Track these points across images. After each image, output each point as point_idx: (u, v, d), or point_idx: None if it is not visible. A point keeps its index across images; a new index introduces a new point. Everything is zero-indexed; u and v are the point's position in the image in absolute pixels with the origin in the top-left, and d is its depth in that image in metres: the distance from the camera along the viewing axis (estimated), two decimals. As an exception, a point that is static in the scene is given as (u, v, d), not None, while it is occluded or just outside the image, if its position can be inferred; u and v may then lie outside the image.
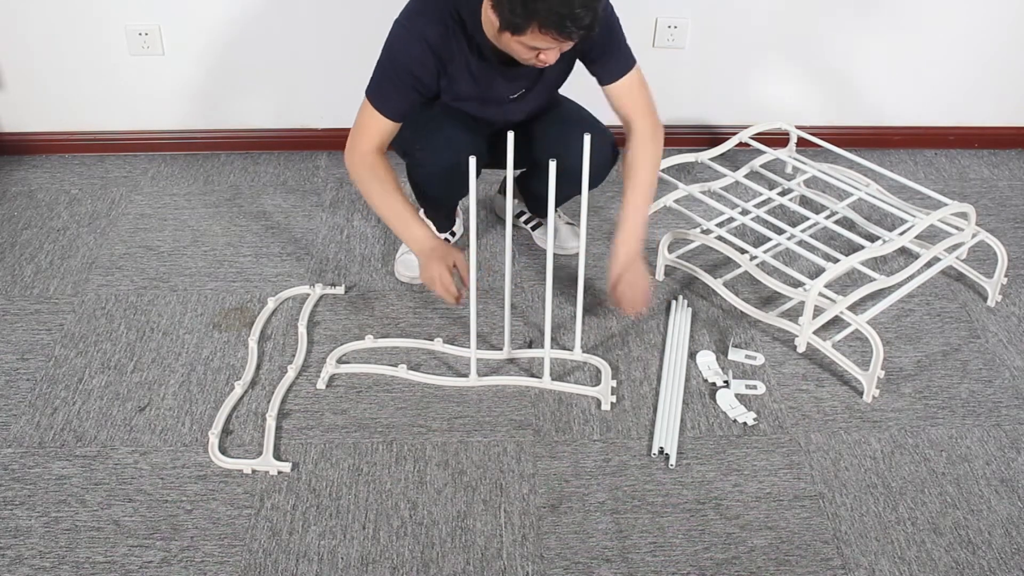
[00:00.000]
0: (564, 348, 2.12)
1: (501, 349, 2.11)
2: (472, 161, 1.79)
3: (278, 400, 1.98)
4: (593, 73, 2.03)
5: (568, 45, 1.77)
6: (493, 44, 1.83)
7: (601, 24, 1.92)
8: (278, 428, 1.93)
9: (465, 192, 2.23)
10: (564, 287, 2.30)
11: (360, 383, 2.04)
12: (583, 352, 2.10)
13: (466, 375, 2.04)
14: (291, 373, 2.05)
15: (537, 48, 1.75)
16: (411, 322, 2.19)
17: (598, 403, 2.00)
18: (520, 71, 1.94)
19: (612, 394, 2.01)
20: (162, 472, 1.83)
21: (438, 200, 2.25)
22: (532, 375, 2.06)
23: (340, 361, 2.08)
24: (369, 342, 2.12)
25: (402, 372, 2.04)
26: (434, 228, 2.29)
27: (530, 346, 2.14)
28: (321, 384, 2.01)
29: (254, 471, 1.84)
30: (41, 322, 2.19)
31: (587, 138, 1.80)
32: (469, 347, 2.05)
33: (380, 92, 1.93)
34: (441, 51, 1.88)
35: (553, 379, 2.04)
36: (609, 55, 1.99)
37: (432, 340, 2.12)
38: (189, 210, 2.58)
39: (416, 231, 1.98)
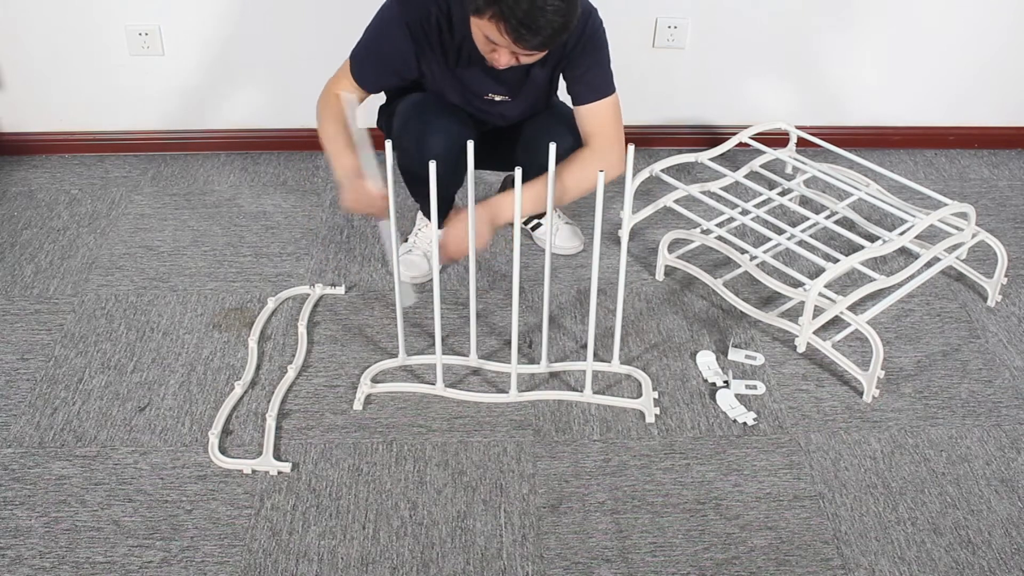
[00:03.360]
0: (567, 350, 2.11)
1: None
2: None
3: (278, 400, 1.98)
4: (570, 91, 2.01)
5: (527, 56, 1.76)
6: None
7: (589, 41, 1.92)
8: (278, 428, 1.93)
9: (458, 182, 2.23)
10: (564, 287, 2.31)
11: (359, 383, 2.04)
12: (620, 363, 2.08)
13: (504, 390, 2.02)
14: (291, 373, 2.04)
15: (492, 42, 1.75)
16: (412, 322, 2.19)
17: (598, 406, 2.00)
18: (500, 74, 1.94)
19: (656, 405, 1.99)
20: (162, 472, 1.83)
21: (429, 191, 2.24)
22: (571, 388, 2.03)
23: (375, 380, 2.03)
24: (401, 359, 2.07)
25: (439, 390, 2.00)
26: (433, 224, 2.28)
27: (530, 347, 2.14)
28: (358, 404, 1.96)
29: (254, 471, 1.84)
30: (41, 322, 2.19)
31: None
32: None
33: (361, 63, 1.97)
34: (421, 38, 1.90)
35: (594, 392, 2.01)
36: (591, 76, 1.97)
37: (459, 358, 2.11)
38: (189, 210, 2.58)
39: (345, 159, 1.93)
